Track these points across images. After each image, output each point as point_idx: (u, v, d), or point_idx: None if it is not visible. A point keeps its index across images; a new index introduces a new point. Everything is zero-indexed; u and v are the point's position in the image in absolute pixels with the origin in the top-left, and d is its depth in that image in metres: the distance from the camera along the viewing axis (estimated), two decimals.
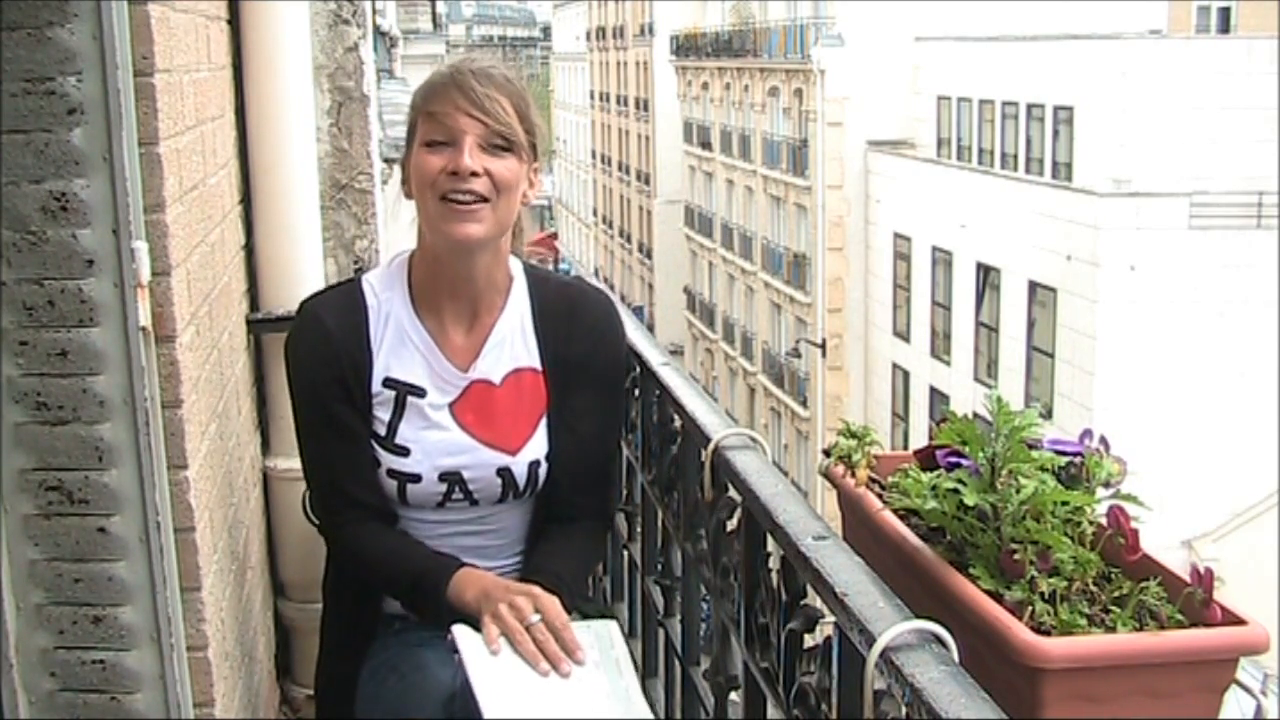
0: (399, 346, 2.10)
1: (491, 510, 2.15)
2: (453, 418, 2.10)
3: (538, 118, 2.10)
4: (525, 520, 2.20)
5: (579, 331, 2.17)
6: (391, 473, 2.09)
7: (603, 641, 1.95)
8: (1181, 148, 18.80)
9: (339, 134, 3.41)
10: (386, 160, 3.99)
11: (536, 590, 1.95)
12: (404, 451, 2.09)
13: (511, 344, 2.14)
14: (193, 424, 2.12)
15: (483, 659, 1.86)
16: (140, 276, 1.89)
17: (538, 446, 2.14)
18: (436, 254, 2.08)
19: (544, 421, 2.15)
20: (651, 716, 1.89)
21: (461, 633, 1.89)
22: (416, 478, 2.09)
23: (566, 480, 2.16)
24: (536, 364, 2.15)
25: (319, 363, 2.09)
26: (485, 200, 2.01)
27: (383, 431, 2.09)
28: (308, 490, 2.21)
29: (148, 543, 1.93)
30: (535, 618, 1.90)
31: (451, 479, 2.10)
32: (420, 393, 2.09)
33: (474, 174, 1.99)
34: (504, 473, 2.12)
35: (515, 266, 2.19)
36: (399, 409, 2.09)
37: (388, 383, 2.09)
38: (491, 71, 2.06)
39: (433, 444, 2.09)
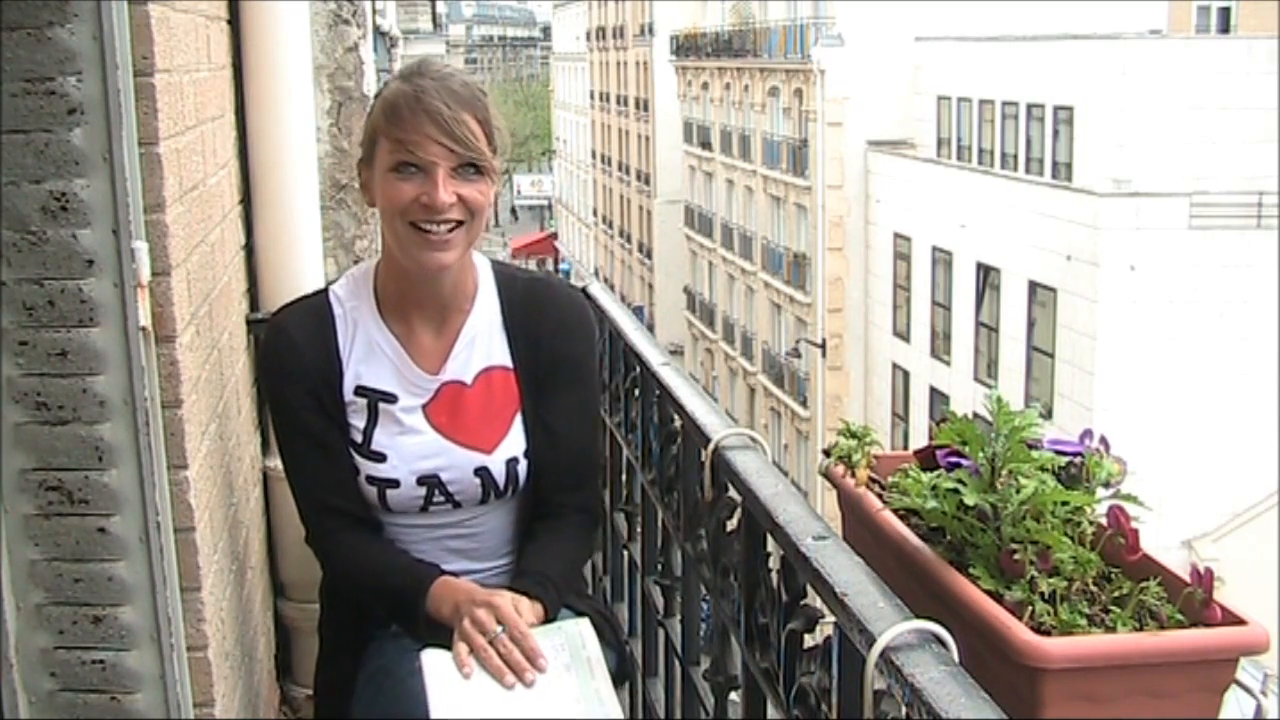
0: (368, 354, 2.10)
1: (475, 513, 2.15)
2: (426, 420, 2.10)
3: (498, 119, 2.06)
4: (511, 521, 2.19)
5: (548, 328, 2.16)
6: (370, 479, 2.09)
7: (574, 643, 1.94)
8: (1181, 148, 18.79)
9: (339, 134, 3.42)
10: None
11: (497, 600, 1.94)
12: (380, 457, 2.09)
13: (481, 343, 2.14)
14: (193, 424, 2.12)
15: (449, 681, 1.86)
16: (140, 276, 1.89)
17: (514, 444, 2.14)
18: (404, 269, 2.07)
19: (519, 419, 2.15)
20: (622, 716, 1.89)
21: (429, 659, 1.89)
22: (395, 483, 2.09)
23: (548, 478, 2.16)
24: (508, 362, 2.15)
25: (289, 377, 2.10)
26: (459, 224, 2.00)
27: (359, 439, 2.09)
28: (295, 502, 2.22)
29: (148, 543, 1.93)
30: (499, 629, 1.90)
31: (430, 482, 2.09)
32: (391, 399, 2.09)
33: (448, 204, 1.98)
34: (482, 472, 2.11)
35: (483, 266, 2.18)
36: (373, 416, 2.09)
37: (359, 391, 2.10)
38: (453, 85, 2.01)
39: (408, 448, 2.09)
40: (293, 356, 2.09)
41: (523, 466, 2.14)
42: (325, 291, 2.17)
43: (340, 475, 2.10)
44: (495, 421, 2.13)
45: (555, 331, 2.16)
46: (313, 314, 2.13)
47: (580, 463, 2.21)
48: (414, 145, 1.97)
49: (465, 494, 2.12)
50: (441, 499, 2.11)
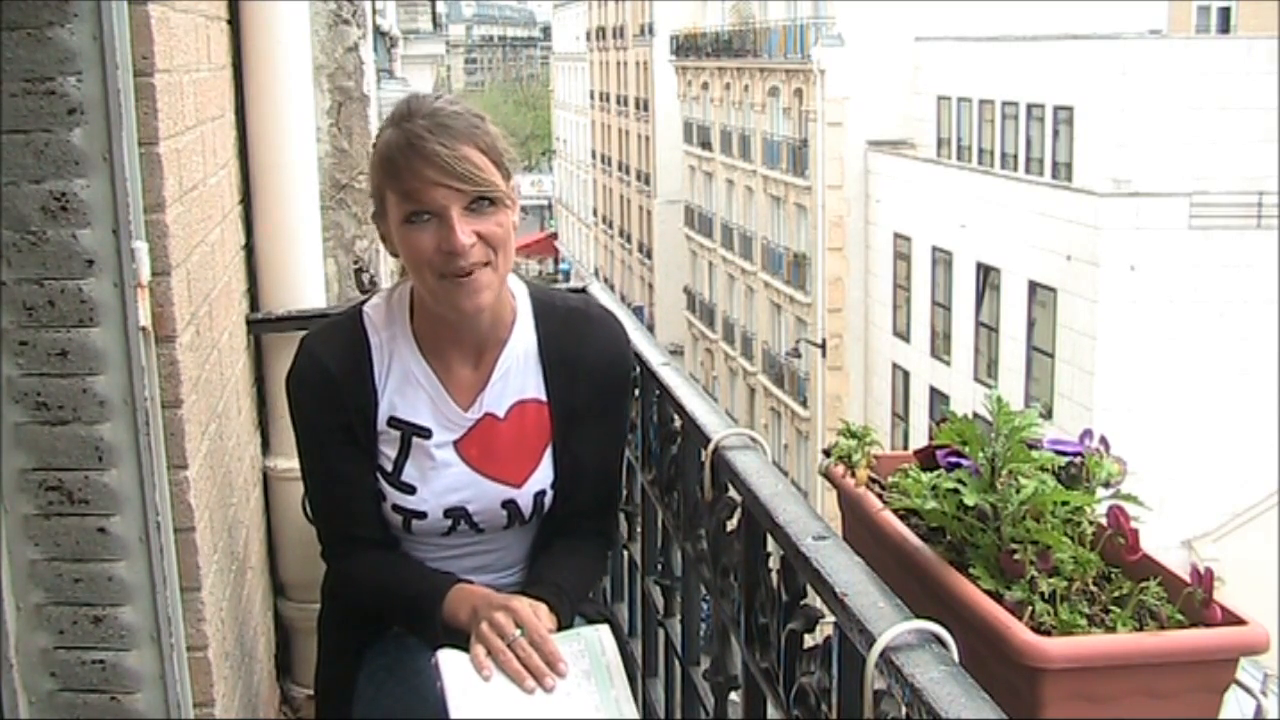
0: (404, 386, 2.05)
1: (496, 534, 2.13)
2: (457, 454, 2.07)
3: (504, 142, 1.98)
4: (529, 539, 2.18)
5: (586, 364, 2.11)
6: (397, 508, 2.07)
7: (593, 649, 1.93)
8: (1181, 148, 18.79)
9: (339, 134, 3.42)
10: None
11: (516, 604, 1.93)
12: (410, 489, 2.06)
13: (515, 376, 2.09)
14: (193, 424, 2.12)
15: (466, 683, 1.84)
16: (140, 276, 1.89)
17: (543, 477, 2.11)
18: (438, 310, 2.01)
19: (549, 452, 2.11)
20: None
21: (445, 659, 1.87)
22: (422, 514, 2.07)
23: (570, 503, 2.14)
24: (541, 395, 2.11)
25: (322, 407, 2.05)
26: (486, 263, 1.93)
27: (389, 467, 2.06)
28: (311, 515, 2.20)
29: (148, 543, 1.93)
30: (517, 632, 1.89)
31: (457, 514, 2.08)
32: (426, 433, 2.06)
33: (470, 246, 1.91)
34: (509, 504, 2.09)
35: (519, 291, 2.12)
36: (404, 448, 2.06)
37: (393, 422, 2.06)
38: (445, 120, 1.92)
39: (438, 483, 2.06)
40: (327, 387, 2.04)
41: (549, 497, 2.12)
42: (359, 314, 2.09)
43: (363, 507, 2.07)
44: (526, 455, 2.10)
45: (594, 365, 2.12)
46: (347, 341, 2.06)
47: (603, 491, 2.20)
48: (418, 194, 1.90)
49: (489, 523, 2.11)
50: (466, 527, 2.10)
